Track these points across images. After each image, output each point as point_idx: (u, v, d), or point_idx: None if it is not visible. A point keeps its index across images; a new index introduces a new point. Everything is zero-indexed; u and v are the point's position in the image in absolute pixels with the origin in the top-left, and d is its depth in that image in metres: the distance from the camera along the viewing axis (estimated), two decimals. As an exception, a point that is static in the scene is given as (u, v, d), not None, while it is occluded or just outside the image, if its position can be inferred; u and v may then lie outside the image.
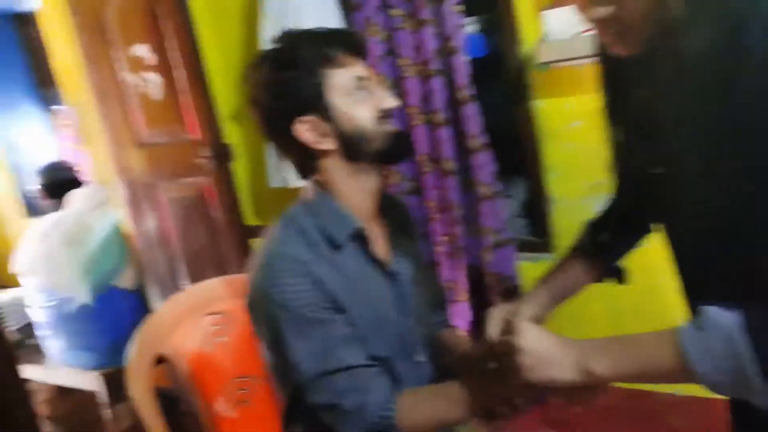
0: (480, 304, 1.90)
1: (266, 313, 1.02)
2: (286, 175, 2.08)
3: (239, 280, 1.64)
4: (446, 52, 1.72)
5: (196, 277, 2.32)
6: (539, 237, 1.92)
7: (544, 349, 0.84)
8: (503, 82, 1.80)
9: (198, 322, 1.50)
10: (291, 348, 1.00)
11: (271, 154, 2.14)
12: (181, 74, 2.05)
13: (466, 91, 1.73)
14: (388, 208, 1.16)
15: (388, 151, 1.04)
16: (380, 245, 1.12)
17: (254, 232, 2.22)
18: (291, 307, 0.99)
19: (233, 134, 2.33)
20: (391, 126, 1.04)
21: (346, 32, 1.07)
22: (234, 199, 2.12)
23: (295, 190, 2.10)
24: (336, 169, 1.06)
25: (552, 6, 1.62)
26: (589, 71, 1.67)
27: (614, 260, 1.05)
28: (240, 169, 2.34)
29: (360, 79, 1.02)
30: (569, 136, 1.74)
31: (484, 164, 1.78)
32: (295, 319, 0.99)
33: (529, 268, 1.92)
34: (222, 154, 2.07)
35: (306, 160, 1.07)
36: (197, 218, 2.23)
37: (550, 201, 1.83)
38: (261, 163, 2.20)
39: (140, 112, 2.23)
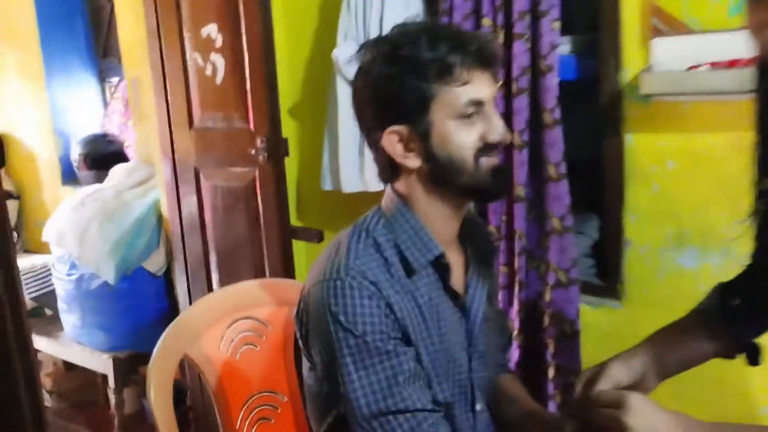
0: (531, 345, 1.74)
1: (325, 333, 0.89)
2: (341, 179, 1.96)
3: (280, 285, 1.52)
4: (537, 71, 1.59)
5: (227, 271, 2.21)
6: (606, 281, 1.76)
7: (657, 429, 0.70)
8: (593, 109, 1.65)
9: (229, 326, 1.38)
10: (349, 378, 0.87)
11: (326, 154, 2.02)
12: (248, 60, 1.95)
13: (552, 114, 1.59)
14: (470, 232, 1.04)
15: (481, 189, 0.92)
16: (457, 274, 0.99)
17: (296, 233, 2.10)
18: (357, 332, 0.86)
19: (290, 128, 2.23)
20: (492, 161, 0.91)
21: (480, 39, 0.89)
22: (282, 196, 2.00)
23: (348, 196, 1.99)
24: (418, 188, 0.94)
25: (663, 35, 1.48)
26: (694, 110, 1.54)
27: (747, 334, 0.90)
28: (291, 166, 2.23)
29: (475, 103, 0.88)
30: (658, 177, 1.59)
31: (560, 195, 1.63)
32: (360, 347, 0.87)
33: (590, 314, 1.76)
34: (277, 148, 1.96)
35: (388, 167, 0.95)
36: (239, 210, 2.12)
37: (625, 244, 1.67)
38: (315, 163, 2.09)
39: (197, 94, 2.14)
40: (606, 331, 1.76)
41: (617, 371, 0.86)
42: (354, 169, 1.93)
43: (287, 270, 2.05)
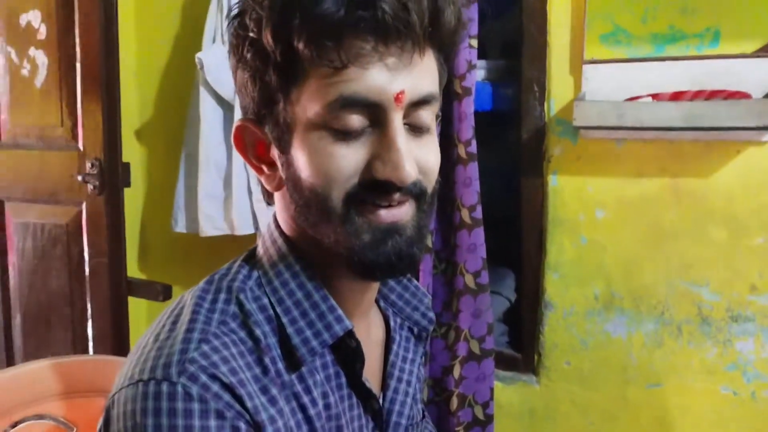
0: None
1: None
2: (200, 220, 1.53)
3: (98, 366, 1.03)
4: (451, 94, 1.32)
5: (37, 340, 1.67)
6: (521, 352, 1.47)
7: None
8: (510, 147, 1.41)
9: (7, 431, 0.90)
10: None
11: (181, 187, 1.59)
12: (80, 59, 1.51)
13: (468, 147, 1.32)
14: (396, 293, 0.69)
15: (353, 259, 0.54)
16: (371, 361, 0.64)
17: (135, 288, 1.61)
18: None
19: (135, 153, 1.77)
20: (379, 216, 0.53)
21: None
22: (117, 240, 1.53)
23: (207, 242, 1.56)
24: (297, 224, 0.59)
25: (600, 61, 1.28)
26: (628, 150, 1.33)
27: None
28: (133, 201, 1.76)
29: (350, 103, 0.51)
30: (586, 227, 1.36)
31: (474, 246, 1.34)
32: None
33: (501, 391, 1.46)
34: (114, 175, 1.50)
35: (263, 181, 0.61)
36: (57, 257, 1.62)
37: (546, 307, 1.41)
38: (166, 198, 1.64)
39: (7, 100, 1.64)
40: (518, 413, 1.47)
41: None
42: (216, 207, 1.52)
43: (119, 339, 1.56)
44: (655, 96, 1.22)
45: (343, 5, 0.49)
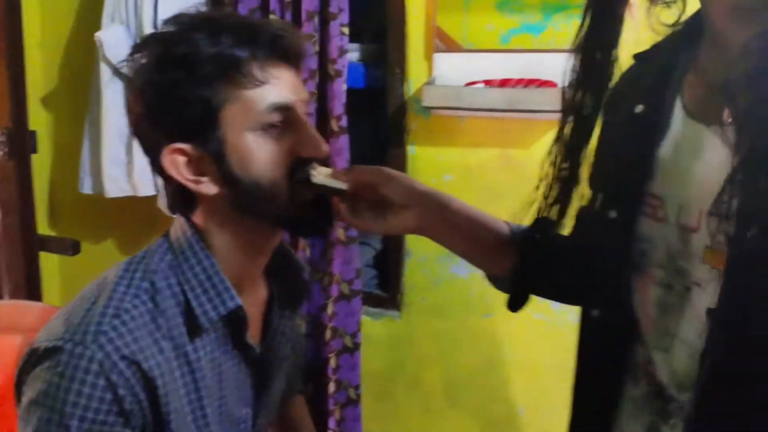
0: (313, 360, 1.67)
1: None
2: (104, 182, 1.70)
3: (4, 308, 1.20)
4: (325, 75, 1.54)
5: None
6: (387, 292, 1.76)
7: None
8: (378, 120, 1.66)
9: None
10: None
11: (86, 152, 1.75)
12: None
13: (339, 122, 1.55)
14: (279, 265, 0.86)
15: (300, 221, 0.75)
16: (255, 319, 0.83)
17: (45, 243, 1.78)
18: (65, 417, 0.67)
19: (41, 120, 1.89)
20: (307, 187, 0.73)
21: (275, 28, 0.72)
22: (27, 200, 1.68)
23: (112, 201, 1.74)
24: (220, 219, 0.75)
25: (446, 50, 1.53)
26: (468, 126, 1.62)
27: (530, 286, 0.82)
28: (42, 165, 1.90)
29: (279, 109, 0.71)
30: (437, 189, 1.63)
31: (345, 205, 1.59)
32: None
33: (371, 325, 1.75)
34: (21, 142, 1.64)
35: (179, 196, 0.76)
36: (-32, 216, 1.73)
37: (406, 255, 1.70)
38: (72, 162, 1.79)
39: None
40: (385, 342, 1.76)
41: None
42: (120, 170, 1.69)
43: (32, 290, 1.72)
44: (488, 82, 1.49)
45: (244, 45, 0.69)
